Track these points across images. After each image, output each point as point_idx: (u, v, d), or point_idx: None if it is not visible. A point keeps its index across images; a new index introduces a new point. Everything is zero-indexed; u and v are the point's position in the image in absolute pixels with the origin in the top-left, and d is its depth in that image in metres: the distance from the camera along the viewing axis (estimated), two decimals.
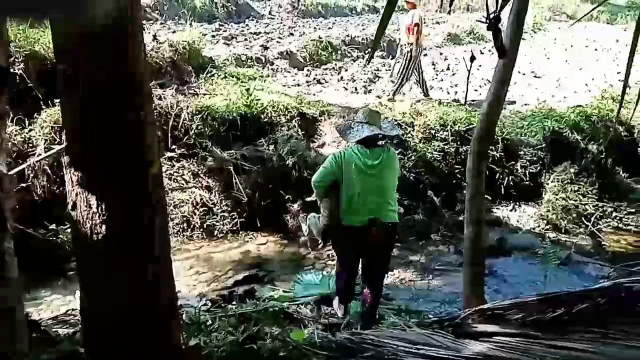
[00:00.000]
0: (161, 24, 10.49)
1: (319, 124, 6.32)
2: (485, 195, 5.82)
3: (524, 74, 10.42)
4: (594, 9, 4.17)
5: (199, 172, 5.55)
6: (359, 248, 3.40)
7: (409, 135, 6.10)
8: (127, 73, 1.28)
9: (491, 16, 1.44)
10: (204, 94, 6.40)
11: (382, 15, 1.40)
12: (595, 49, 13.62)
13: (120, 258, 1.36)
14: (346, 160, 3.29)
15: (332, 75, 9.25)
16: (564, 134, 6.63)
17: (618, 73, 10.53)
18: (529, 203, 6.22)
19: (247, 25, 12.40)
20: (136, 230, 1.37)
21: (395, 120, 5.91)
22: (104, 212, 1.31)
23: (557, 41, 14.73)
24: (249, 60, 8.53)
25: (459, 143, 6.10)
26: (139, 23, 1.34)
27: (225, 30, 10.95)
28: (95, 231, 1.33)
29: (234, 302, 3.92)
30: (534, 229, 5.82)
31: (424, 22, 7.02)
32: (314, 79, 8.83)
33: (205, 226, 5.31)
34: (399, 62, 7.56)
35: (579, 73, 10.92)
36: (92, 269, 1.41)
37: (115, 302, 1.40)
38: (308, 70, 9.38)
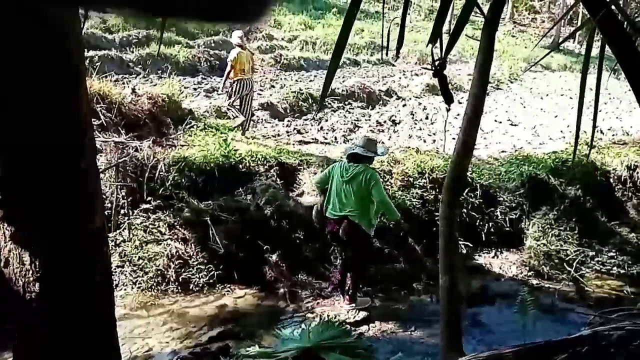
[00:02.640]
0: (144, 77, 10.62)
1: (298, 173, 6.30)
2: (467, 242, 5.86)
3: (500, 122, 10.65)
4: (549, 52, 4.35)
5: (175, 223, 5.43)
6: (334, 237, 4.67)
7: (388, 183, 6.10)
8: (66, 123, 1.24)
9: (436, 63, 1.44)
10: (182, 145, 6.39)
11: (328, 67, 1.40)
12: (570, 98, 14.06)
13: (55, 317, 1.27)
14: (333, 170, 4.65)
15: (312, 125, 9.35)
16: (542, 179, 6.69)
17: (592, 120, 10.81)
18: (511, 249, 6.17)
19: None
20: (73, 288, 1.29)
21: (374, 169, 5.91)
22: (37, 270, 1.23)
23: (533, 90, 15.21)
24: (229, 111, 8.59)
25: (437, 190, 6.10)
26: (82, 72, 1.31)
27: (207, 84, 11.11)
28: (29, 289, 1.24)
29: None
30: (516, 275, 5.75)
31: (239, 60, 7.56)
32: (294, 129, 8.91)
33: (180, 279, 5.13)
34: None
35: (555, 121, 11.19)
36: (26, 329, 1.31)
37: None
38: (288, 120, 9.48)
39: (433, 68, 1.49)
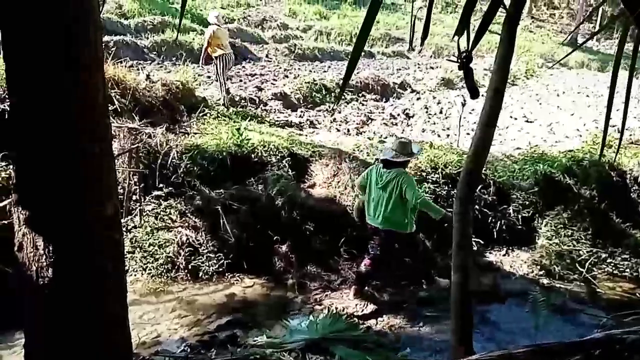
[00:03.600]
0: (158, 64, 10.63)
1: (310, 165, 6.27)
2: (478, 240, 5.79)
3: (515, 119, 10.52)
4: (571, 52, 4.34)
5: (186, 211, 5.44)
6: (375, 233, 4.69)
7: None
8: (81, 112, 1.22)
9: (462, 55, 1.41)
10: (195, 133, 6.39)
11: (350, 58, 1.37)
12: (587, 96, 13.84)
13: (67, 304, 1.26)
14: (371, 174, 4.66)
15: (325, 116, 9.31)
16: (557, 178, 6.60)
17: (610, 119, 10.64)
18: (523, 248, 6.10)
19: (243, 67, 12.60)
20: (85, 274, 1.28)
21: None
22: (51, 255, 1.22)
23: (550, 87, 14.99)
24: (243, 101, 8.59)
25: (450, 186, 6.04)
26: (99, 61, 1.29)
27: None
28: (42, 275, 1.23)
29: (214, 349, 3.76)
30: (527, 274, 5.68)
31: (215, 36, 8.17)
32: (307, 120, 8.87)
33: (190, 267, 5.15)
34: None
35: (571, 118, 11.03)
36: (37, 315, 1.30)
37: (62, 352, 1.29)
38: (301, 111, 9.44)
39: (459, 61, 1.45)
